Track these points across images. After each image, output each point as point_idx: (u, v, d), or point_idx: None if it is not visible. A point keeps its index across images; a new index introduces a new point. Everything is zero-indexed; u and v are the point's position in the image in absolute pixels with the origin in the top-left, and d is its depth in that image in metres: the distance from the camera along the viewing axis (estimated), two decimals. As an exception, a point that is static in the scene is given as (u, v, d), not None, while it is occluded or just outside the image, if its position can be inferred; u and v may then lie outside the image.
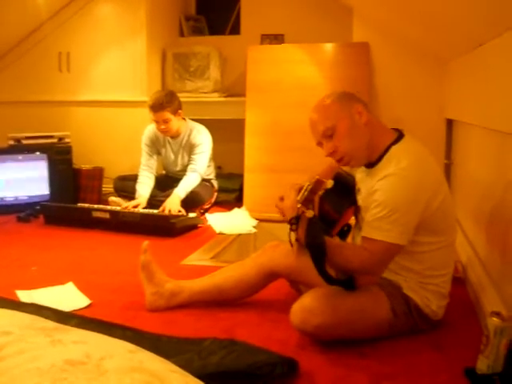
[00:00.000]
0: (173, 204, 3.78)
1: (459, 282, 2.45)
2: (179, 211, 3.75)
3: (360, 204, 2.07)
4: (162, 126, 3.98)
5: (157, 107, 3.90)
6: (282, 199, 2.00)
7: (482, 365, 1.67)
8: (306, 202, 1.82)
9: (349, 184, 2.15)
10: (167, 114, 3.94)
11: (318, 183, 1.85)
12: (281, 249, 2.21)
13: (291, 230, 1.87)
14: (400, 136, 2.00)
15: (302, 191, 1.87)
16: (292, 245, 1.93)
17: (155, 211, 3.75)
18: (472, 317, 2.21)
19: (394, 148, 1.95)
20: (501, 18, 2.00)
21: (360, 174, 2.12)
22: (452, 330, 2.08)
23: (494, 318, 1.65)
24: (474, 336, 1.91)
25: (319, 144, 2.03)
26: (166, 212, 3.72)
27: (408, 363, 1.83)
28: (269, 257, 2.23)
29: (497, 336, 1.63)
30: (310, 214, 1.77)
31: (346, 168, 2.21)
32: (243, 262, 2.31)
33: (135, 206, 3.84)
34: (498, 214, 2.27)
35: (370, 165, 2.01)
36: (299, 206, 1.79)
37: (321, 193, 1.88)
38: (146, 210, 3.77)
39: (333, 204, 2.02)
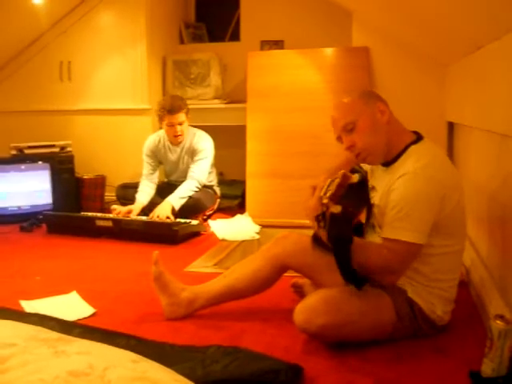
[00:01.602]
0: (162, 210, 3.78)
1: (462, 284, 2.44)
2: (167, 217, 3.75)
3: (374, 202, 2.06)
4: (178, 129, 4.00)
5: (176, 109, 3.94)
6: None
7: (487, 368, 1.66)
8: (334, 197, 1.80)
9: (365, 181, 2.15)
10: (183, 116, 4.00)
11: (346, 178, 1.84)
12: (292, 239, 2.18)
13: (319, 227, 1.86)
14: (419, 138, 2.02)
15: (326, 187, 1.85)
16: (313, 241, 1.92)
17: (144, 218, 3.76)
18: (476, 320, 2.21)
19: (413, 147, 1.97)
20: (500, 20, 2.00)
21: (375, 172, 2.12)
22: (456, 333, 2.07)
23: (498, 321, 1.64)
24: (478, 339, 1.91)
25: (338, 139, 2.03)
26: (155, 217, 3.72)
27: (412, 367, 1.82)
28: (282, 248, 2.18)
29: (501, 339, 1.63)
30: (337, 209, 1.74)
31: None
32: (253, 256, 2.27)
33: (128, 212, 3.84)
34: (500, 216, 2.26)
35: (388, 163, 2.02)
36: (326, 201, 1.77)
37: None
38: (145, 218, 3.77)
39: (351, 200, 2.01)
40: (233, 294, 2.25)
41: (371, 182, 2.13)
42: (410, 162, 1.92)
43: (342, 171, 1.86)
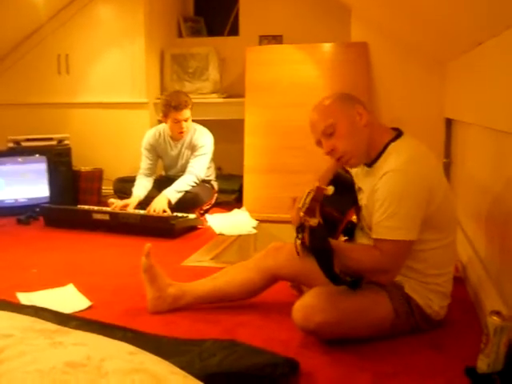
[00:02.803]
0: (158, 204, 3.78)
1: (459, 281, 2.45)
2: (164, 211, 3.74)
3: (363, 203, 2.07)
4: (184, 125, 3.99)
5: (182, 105, 3.92)
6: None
7: (483, 364, 1.67)
8: (309, 211, 1.82)
9: (349, 183, 2.16)
10: (189, 112, 3.98)
11: (320, 191, 1.85)
12: (285, 251, 2.19)
13: (297, 238, 1.87)
14: (399, 134, 2.01)
15: (303, 200, 1.87)
16: (297, 251, 1.93)
17: (141, 211, 3.77)
18: (472, 316, 2.21)
19: (392, 144, 1.97)
20: (499, 17, 2.00)
21: (360, 173, 2.12)
22: (452, 329, 2.08)
23: (494, 317, 1.65)
24: (474, 335, 1.91)
25: (318, 143, 2.03)
26: (151, 211, 3.72)
27: (409, 363, 1.83)
28: (273, 261, 2.20)
29: (497, 335, 1.63)
30: (314, 222, 1.76)
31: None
32: (246, 264, 2.29)
33: (125, 206, 3.83)
34: (497, 213, 2.27)
35: (370, 163, 2.02)
36: (302, 215, 1.79)
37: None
38: (142, 211, 3.77)
39: (335, 204, 2.02)
40: (220, 296, 2.27)
41: (357, 184, 2.13)
42: (391, 160, 1.92)
43: (316, 184, 1.87)
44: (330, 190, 1.86)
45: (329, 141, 1.97)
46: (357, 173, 2.15)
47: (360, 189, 2.10)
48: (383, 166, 1.93)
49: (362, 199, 2.07)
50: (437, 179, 1.93)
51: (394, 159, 1.91)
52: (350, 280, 1.92)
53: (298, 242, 1.87)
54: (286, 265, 2.18)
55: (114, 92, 4.81)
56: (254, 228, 3.77)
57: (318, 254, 1.79)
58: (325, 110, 1.99)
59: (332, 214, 2.04)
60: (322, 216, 1.84)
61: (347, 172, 2.22)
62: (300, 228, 1.81)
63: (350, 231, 2.20)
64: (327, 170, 2.25)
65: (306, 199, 1.83)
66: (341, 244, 1.94)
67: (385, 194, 1.88)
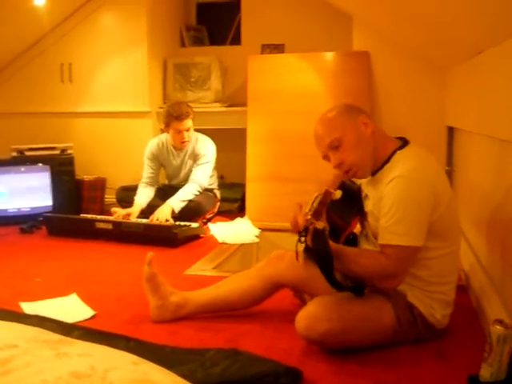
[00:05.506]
0: (162, 213, 3.78)
1: (462, 289, 2.45)
2: (167, 220, 3.75)
3: (369, 209, 2.06)
4: (185, 135, 4.00)
5: (184, 115, 3.93)
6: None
7: (486, 373, 1.66)
8: (316, 213, 1.82)
9: (354, 192, 2.16)
10: (190, 122, 3.99)
11: (327, 194, 1.86)
12: (287, 259, 2.20)
13: (299, 241, 1.87)
14: (405, 143, 2.02)
15: (311, 203, 1.87)
16: (298, 256, 1.93)
17: (144, 220, 3.78)
18: (475, 324, 2.21)
19: (398, 153, 1.98)
20: (500, 25, 2.01)
21: (365, 181, 2.13)
22: (455, 337, 2.07)
23: (497, 326, 1.65)
24: (477, 344, 1.91)
25: (325, 157, 2.03)
26: (154, 220, 3.73)
27: (411, 371, 1.82)
28: (275, 268, 2.21)
29: (500, 344, 1.63)
30: (320, 225, 1.77)
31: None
32: (248, 272, 2.30)
33: (128, 215, 3.84)
34: (499, 221, 2.27)
35: (375, 172, 2.02)
36: (309, 217, 1.79)
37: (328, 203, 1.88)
38: (145, 220, 3.78)
39: (339, 213, 2.02)
40: (223, 305, 2.27)
41: (364, 191, 2.14)
42: (397, 168, 1.93)
43: (325, 188, 1.88)
44: (338, 193, 1.87)
45: (336, 154, 1.97)
46: (364, 181, 2.15)
47: (366, 196, 2.11)
48: (389, 173, 1.94)
49: (368, 205, 2.08)
50: (441, 186, 1.94)
51: (400, 167, 1.92)
52: (352, 285, 1.92)
53: (301, 246, 1.87)
54: (287, 273, 2.19)
55: (116, 101, 4.82)
56: (257, 237, 3.76)
57: (320, 258, 1.80)
58: (330, 124, 2.00)
59: (336, 221, 2.04)
60: (326, 222, 1.85)
61: (353, 182, 2.22)
62: (304, 231, 1.82)
63: (352, 242, 2.19)
64: (334, 178, 2.25)
65: (313, 203, 1.84)
66: (347, 249, 1.94)
67: (391, 199, 1.89)
